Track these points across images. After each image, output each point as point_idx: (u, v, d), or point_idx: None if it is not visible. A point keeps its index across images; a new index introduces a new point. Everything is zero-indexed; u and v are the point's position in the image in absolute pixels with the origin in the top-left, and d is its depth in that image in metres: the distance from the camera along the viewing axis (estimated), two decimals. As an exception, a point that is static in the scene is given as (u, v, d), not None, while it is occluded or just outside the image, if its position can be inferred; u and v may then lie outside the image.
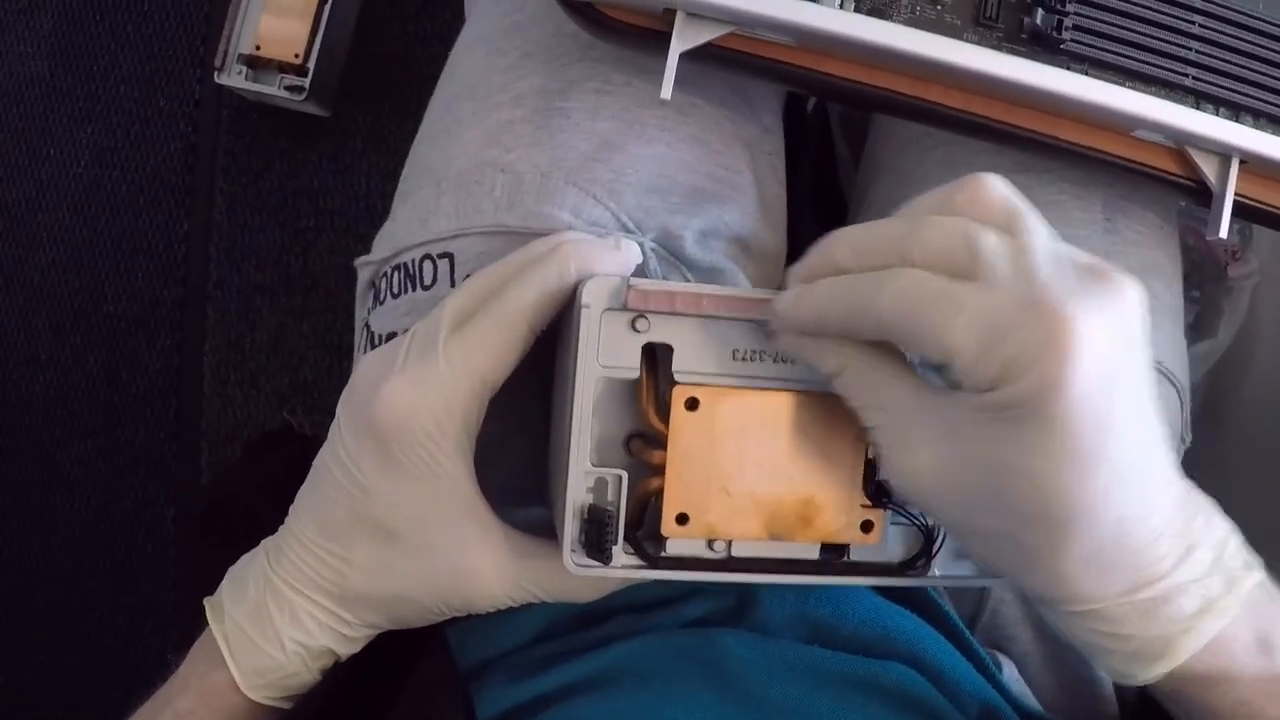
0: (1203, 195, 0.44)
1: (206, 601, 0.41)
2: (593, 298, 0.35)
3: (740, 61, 0.40)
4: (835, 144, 0.73)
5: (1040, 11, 0.40)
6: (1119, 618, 0.32)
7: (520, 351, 0.37)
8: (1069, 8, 0.40)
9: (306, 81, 0.94)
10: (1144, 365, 0.31)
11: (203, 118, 1.03)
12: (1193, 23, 0.42)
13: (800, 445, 0.36)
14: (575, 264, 0.37)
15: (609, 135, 0.43)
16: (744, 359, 0.36)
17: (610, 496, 0.36)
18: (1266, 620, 0.33)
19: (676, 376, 0.35)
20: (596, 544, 0.35)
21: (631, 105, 0.44)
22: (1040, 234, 0.30)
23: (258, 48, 0.94)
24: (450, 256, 0.43)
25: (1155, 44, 0.41)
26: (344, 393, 0.39)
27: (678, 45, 0.39)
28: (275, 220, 1.01)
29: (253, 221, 1.02)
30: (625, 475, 0.35)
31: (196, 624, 0.42)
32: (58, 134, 1.04)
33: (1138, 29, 0.41)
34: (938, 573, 0.38)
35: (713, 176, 0.45)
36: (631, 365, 0.35)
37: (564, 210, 0.42)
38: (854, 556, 0.37)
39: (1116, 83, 0.41)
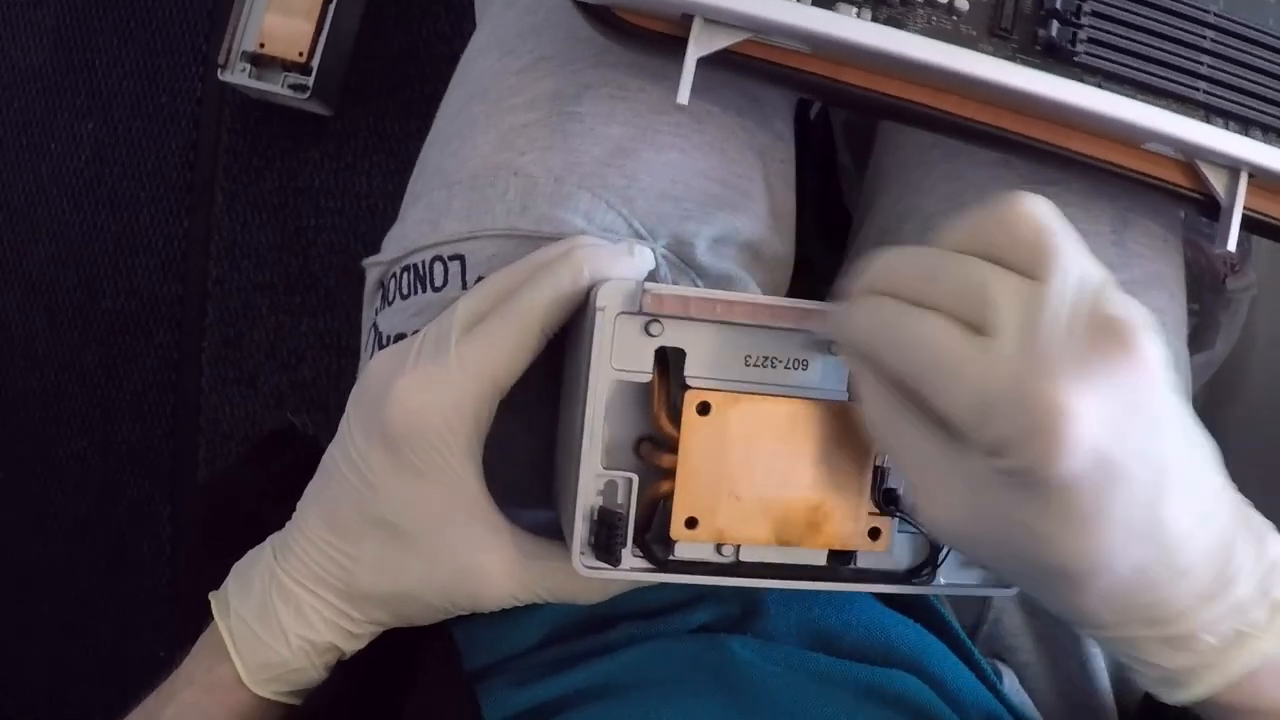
0: (1211, 208, 0.44)
1: (211, 596, 0.41)
2: (607, 301, 0.35)
3: (756, 68, 0.40)
4: (838, 152, 0.74)
5: (1055, 24, 0.40)
6: (1143, 647, 0.32)
7: (532, 354, 0.37)
8: (1084, 21, 0.40)
9: (310, 80, 0.94)
10: (1163, 419, 0.30)
11: (205, 114, 1.03)
12: (1205, 38, 0.42)
13: (810, 452, 0.36)
14: (589, 268, 0.37)
15: (623, 141, 0.43)
16: (756, 365, 0.36)
17: (620, 499, 0.36)
18: None
19: (689, 381, 0.36)
20: (606, 546, 0.35)
21: (645, 111, 0.44)
22: (1063, 280, 0.29)
23: (262, 45, 0.94)
24: (462, 259, 0.43)
25: (1168, 58, 0.41)
26: (354, 391, 0.39)
27: (695, 51, 0.39)
28: (276, 219, 1.01)
29: (253, 219, 1.01)
30: (636, 479, 0.36)
31: (195, 622, 0.41)
32: (58, 128, 1.04)
33: (1151, 43, 0.41)
34: (943, 581, 0.38)
35: (725, 184, 0.45)
36: (644, 369, 0.36)
37: (577, 215, 0.42)
38: (861, 563, 0.37)
39: (1128, 96, 0.41)
